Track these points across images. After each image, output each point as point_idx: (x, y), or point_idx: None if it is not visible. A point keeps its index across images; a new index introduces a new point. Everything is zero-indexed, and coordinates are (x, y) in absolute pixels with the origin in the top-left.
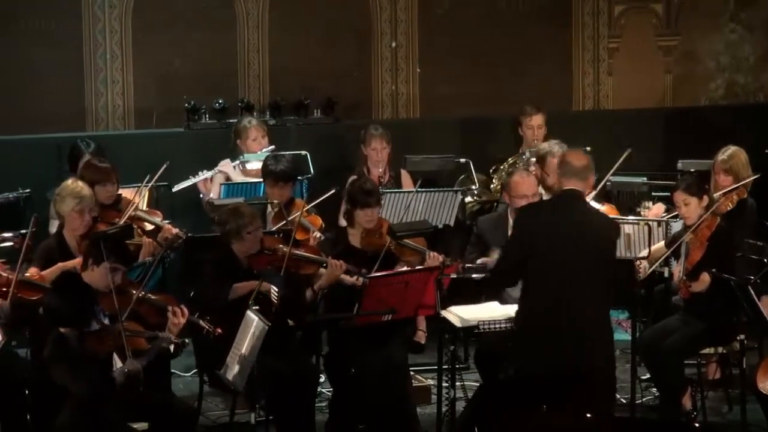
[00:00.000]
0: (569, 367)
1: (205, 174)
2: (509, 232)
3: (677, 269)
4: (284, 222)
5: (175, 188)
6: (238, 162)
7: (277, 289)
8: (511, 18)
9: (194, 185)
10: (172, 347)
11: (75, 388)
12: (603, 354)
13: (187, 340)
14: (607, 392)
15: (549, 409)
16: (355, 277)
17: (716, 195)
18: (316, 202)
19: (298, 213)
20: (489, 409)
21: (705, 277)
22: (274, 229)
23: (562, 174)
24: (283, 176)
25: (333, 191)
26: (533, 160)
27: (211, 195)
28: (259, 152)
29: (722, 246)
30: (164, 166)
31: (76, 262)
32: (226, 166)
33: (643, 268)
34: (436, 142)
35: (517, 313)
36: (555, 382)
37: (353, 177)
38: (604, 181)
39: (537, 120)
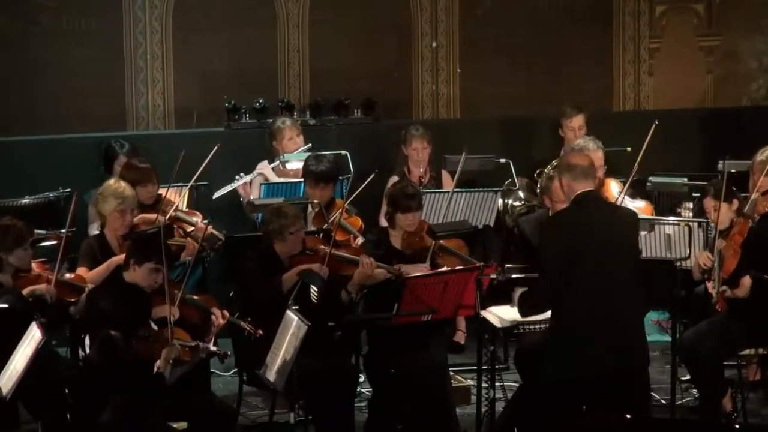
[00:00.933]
0: (609, 367)
1: (244, 178)
2: None
3: (710, 284)
4: (325, 223)
5: (216, 195)
6: (276, 163)
7: (317, 289)
8: (551, 18)
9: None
10: (218, 358)
11: (121, 386)
12: (641, 353)
13: (229, 352)
14: (644, 392)
15: (588, 410)
16: (395, 269)
17: (754, 196)
18: (351, 198)
19: (338, 214)
20: (529, 410)
21: (746, 281)
22: (314, 229)
23: (571, 178)
24: (324, 177)
25: (367, 181)
26: None
27: (251, 195)
28: (297, 152)
29: (758, 247)
30: (204, 162)
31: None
32: (264, 168)
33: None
34: (476, 142)
35: (553, 314)
36: (594, 383)
37: (394, 178)
38: (634, 178)
39: (578, 121)
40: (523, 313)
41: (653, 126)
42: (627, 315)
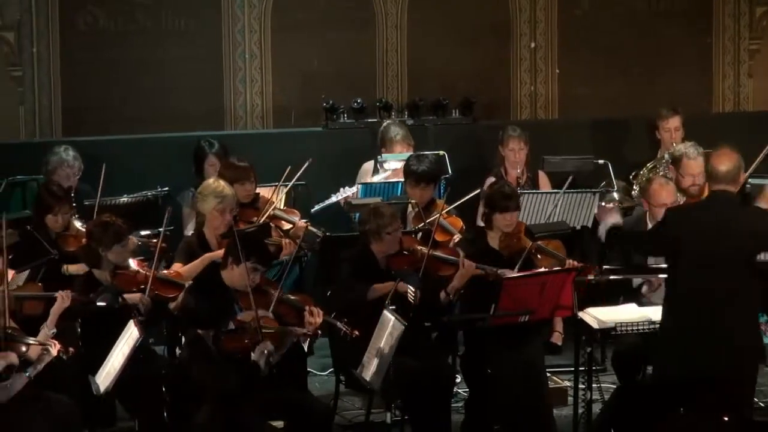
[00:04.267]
0: (715, 369)
1: (345, 192)
2: None
3: None
4: (424, 223)
5: (315, 209)
6: (379, 177)
7: (414, 289)
8: (649, 19)
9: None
10: (306, 343)
11: (216, 385)
12: (752, 355)
13: (319, 331)
14: (748, 395)
15: (687, 412)
16: (493, 270)
17: None
18: (458, 203)
19: (438, 214)
20: (626, 412)
21: None
22: (413, 229)
23: (708, 178)
24: (425, 176)
25: (477, 192)
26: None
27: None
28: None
29: None
30: (307, 163)
31: (221, 252)
32: (366, 178)
33: None
34: (574, 143)
35: (663, 314)
36: (696, 385)
37: (491, 178)
38: (744, 182)
39: (674, 122)
40: (608, 245)
41: None
42: (737, 316)
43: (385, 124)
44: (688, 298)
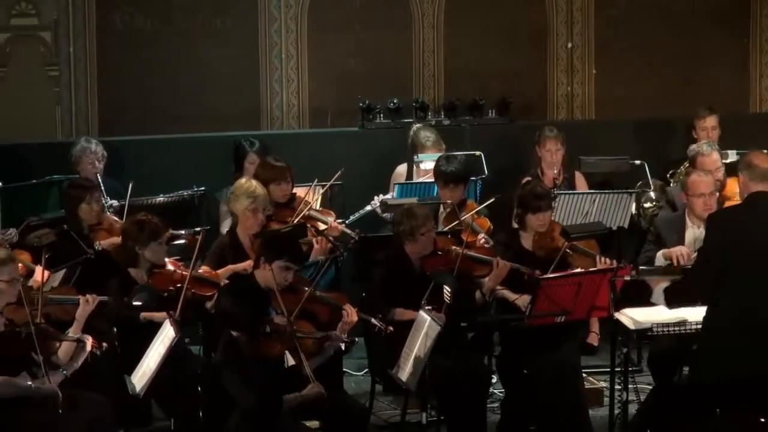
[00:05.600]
0: (755, 370)
1: (382, 198)
2: (686, 235)
3: None
4: (456, 223)
5: (350, 220)
6: (413, 182)
7: (450, 289)
8: (687, 19)
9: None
10: (343, 346)
11: (242, 401)
12: None
13: (357, 339)
14: None
15: (722, 414)
16: (529, 270)
17: None
18: (479, 208)
19: (468, 215)
20: (662, 413)
21: None
22: (445, 229)
23: (749, 178)
24: (454, 177)
25: (493, 199)
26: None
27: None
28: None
29: None
30: (339, 172)
31: (247, 264)
32: (399, 180)
33: None
34: (611, 143)
35: (706, 314)
36: (733, 386)
37: (526, 179)
38: None
39: (710, 121)
40: (670, 305)
41: None
42: None
43: (414, 128)
44: (733, 299)
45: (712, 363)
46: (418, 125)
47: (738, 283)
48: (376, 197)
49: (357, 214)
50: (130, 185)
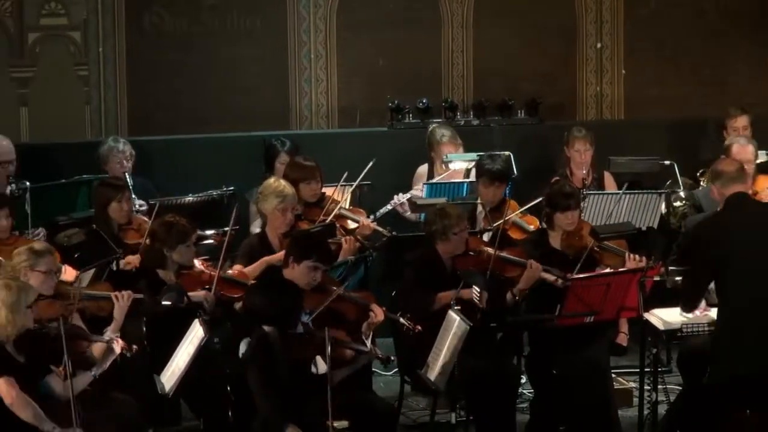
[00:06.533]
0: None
1: (401, 198)
2: None
3: None
4: (501, 221)
5: (373, 216)
6: (437, 179)
7: (480, 290)
8: (717, 18)
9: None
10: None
11: (259, 404)
12: None
13: (392, 357)
14: None
15: (754, 414)
16: (554, 278)
17: None
18: (526, 207)
19: (513, 213)
20: (692, 413)
21: None
22: (482, 229)
23: (721, 185)
24: (499, 175)
25: (540, 199)
26: None
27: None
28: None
29: None
30: (371, 163)
31: (280, 255)
32: (421, 180)
33: None
34: (641, 143)
35: (717, 317)
36: (761, 385)
37: (555, 179)
38: None
39: (742, 121)
40: (682, 310)
41: None
42: None
43: (431, 127)
44: (738, 298)
45: (727, 362)
46: (434, 125)
47: (744, 280)
48: (396, 196)
49: (380, 212)
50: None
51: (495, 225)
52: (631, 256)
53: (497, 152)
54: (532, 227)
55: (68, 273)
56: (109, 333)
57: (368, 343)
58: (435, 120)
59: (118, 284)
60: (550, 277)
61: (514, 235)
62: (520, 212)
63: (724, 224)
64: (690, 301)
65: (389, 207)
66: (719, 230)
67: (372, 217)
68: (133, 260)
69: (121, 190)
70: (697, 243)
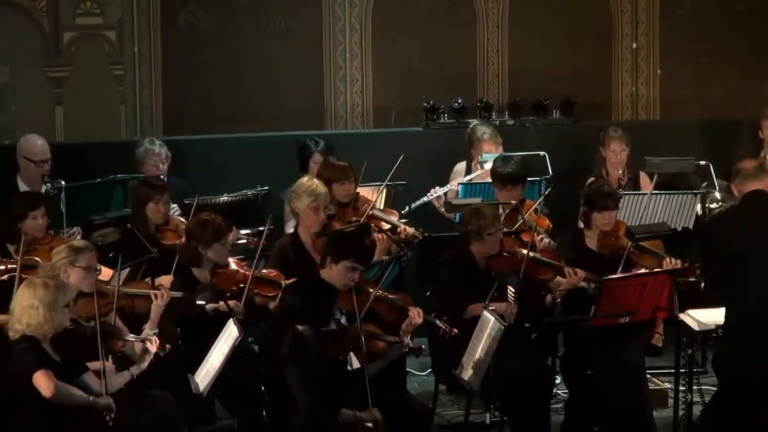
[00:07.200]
0: None
1: (438, 191)
2: None
3: None
4: (516, 224)
5: (405, 211)
6: (474, 174)
7: (514, 290)
8: (752, 19)
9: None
10: (406, 349)
11: (300, 401)
12: None
13: (423, 346)
14: None
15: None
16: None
17: None
18: (534, 205)
19: (527, 215)
20: (726, 414)
21: None
22: (510, 230)
23: (739, 182)
24: (510, 178)
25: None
26: None
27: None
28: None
29: None
30: (400, 158)
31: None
32: (458, 179)
33: None
34: (676, 144)
35: (727, 315)
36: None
37: (591, 179)
38: None
39: None
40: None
41: None
42: None
43: (472, 125)
44: (747, 297)
45: (736, 360)
46: (475, 122)
47: (746, 279)
48: (432, 189)
49: (415, 204)
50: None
51: (513, 228)
52: (669, 259)
53: (514, 153)
54: (542, 230)
55: (104, 272)
56: (146, 331)
57: (406, 339)
58: (470, 120)
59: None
60: (584, 284)
61: (527, 237)
62: (531, 212)
63: (739, 221)
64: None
65: (425, 199)
66: (733, 226)
67: (408, 207)
68: (165, 281)
69: (160, 190)
70: (711, 239)
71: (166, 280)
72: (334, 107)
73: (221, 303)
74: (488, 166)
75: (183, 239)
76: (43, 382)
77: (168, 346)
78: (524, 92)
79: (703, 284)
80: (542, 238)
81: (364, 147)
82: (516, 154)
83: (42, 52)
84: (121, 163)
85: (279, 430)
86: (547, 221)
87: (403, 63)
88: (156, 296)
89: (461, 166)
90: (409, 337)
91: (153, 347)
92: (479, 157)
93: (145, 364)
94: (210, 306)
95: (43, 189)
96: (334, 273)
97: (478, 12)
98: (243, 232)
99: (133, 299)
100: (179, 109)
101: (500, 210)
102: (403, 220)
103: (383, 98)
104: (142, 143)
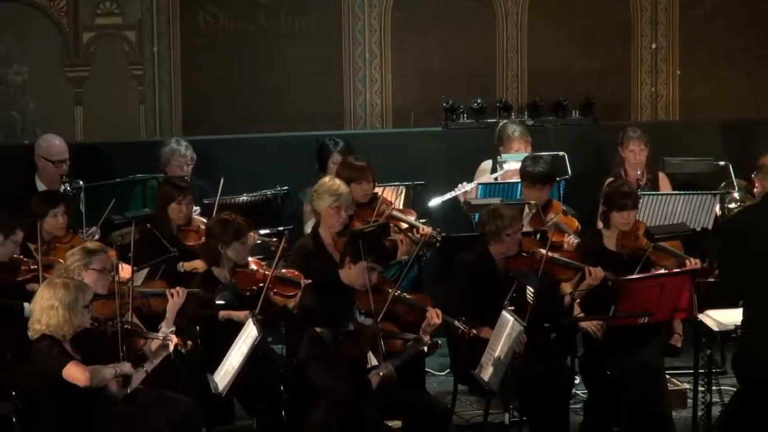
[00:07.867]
0: None
1: (465, 187)
2: None
3: None
4: (542, 224)
5: (431, 203)
6: (499, 173)
7: (533, 289)
8: None
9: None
10: (425, 348)
11: (333, 391)
12: None
13: (440, 341)
14: None
15: None
16: (616, 278)
17: None
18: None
19: (555, 216)
20: (747, 415)
21: None
22: (530, 230)
23: (763, 177)
24: (541, 178)
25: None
26: None
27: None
28: (517, 152)
29: None
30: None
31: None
32: (485, 176)
33: None
34: (695, 144)
35: (746, 314)
36: None
37: (610, 179)
38: None
39: None
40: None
41: None
42: None
43: (502, 122)
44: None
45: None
46: (506, 120)
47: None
48: (460, 184)
49: (439, 199)
50: (221, 182)
51: (537, 229)
52: (690, 260)
53: (542, 153)
54: (572, 230)
55: (125, 270)
56: (164, 330)
57: (424, 337)
58: (489, 120)
59: (170, 283)
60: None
61: (555, 237)
62: (560, 214)
63: (756, 218)
64: (720, 292)
65: (453, 194)
66: (752, 223)
67: (437, 201)
68: (199, 265)
69: (183, 191)
70: (730, 235)
71: (199, 264)
72: (354, 107)
73: (233, 312)
74: (507, 166)
75: (200, 263)
76: (76, 372)
77: (189, 342)
78: (543, 92)
79: (717, 281)
80: (571, 239)
81: (384, 147)
82: (537, 154)
83: (61, 52)
84: (140, 162)
85: (298, 430)
86: (576, 222)
87: (423, 63)
88: (172, 294)
89: (487, 164)
90: (428, 338)
91: (172, 345)
92: (499, 157)
93: (158, 360)
94: (223, 313)
95: (62, 189)
96: (353, 273)
97: (498, 12)
98: (262, 232)
99: (149, 298)
100: (198, 109)
101: (527, 210)
102: (422, 220)
103: (402, 98)
104: (168, 143)
